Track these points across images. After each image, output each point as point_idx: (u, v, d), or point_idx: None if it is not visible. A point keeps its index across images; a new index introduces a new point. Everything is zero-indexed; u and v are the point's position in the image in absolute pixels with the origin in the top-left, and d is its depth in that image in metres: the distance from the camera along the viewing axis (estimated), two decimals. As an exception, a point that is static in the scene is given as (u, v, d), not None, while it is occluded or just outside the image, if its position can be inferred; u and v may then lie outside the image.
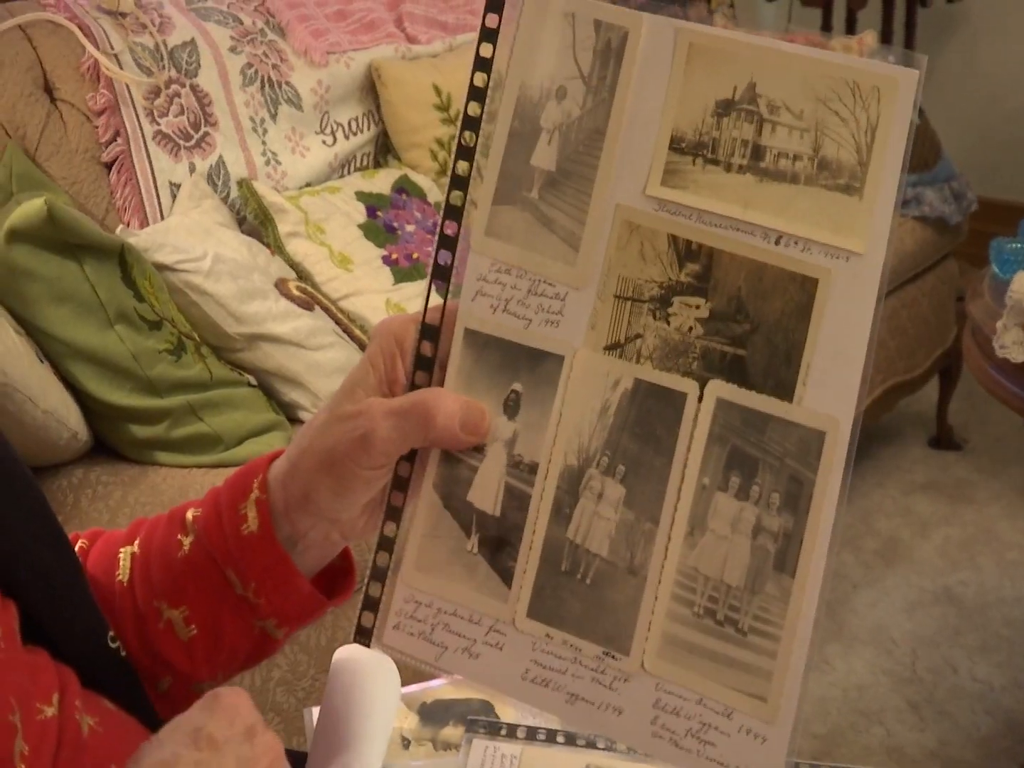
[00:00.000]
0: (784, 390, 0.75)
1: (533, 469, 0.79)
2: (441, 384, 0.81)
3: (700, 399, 0.76)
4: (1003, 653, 2.87)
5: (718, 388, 0.76)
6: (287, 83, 2.84)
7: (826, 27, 4.03)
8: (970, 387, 3.45)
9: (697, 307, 0.76)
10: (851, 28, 4.15)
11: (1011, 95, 4.59)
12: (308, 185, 2.82)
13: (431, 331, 0.81)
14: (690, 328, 0.76)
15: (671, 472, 0.76)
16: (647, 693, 0.76)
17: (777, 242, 0.75)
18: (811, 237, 0.75)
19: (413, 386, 0.81)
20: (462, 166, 0.79)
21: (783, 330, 0.75)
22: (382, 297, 2.61)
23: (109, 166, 2.53)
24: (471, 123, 0.79)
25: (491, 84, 0.79)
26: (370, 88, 2.99)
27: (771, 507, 0.75)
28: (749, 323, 0.76)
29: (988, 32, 4.59)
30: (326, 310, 2.51)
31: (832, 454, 0.75)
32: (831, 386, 0.75)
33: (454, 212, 0.80)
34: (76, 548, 0.95)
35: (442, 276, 0.80)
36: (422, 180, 2.89)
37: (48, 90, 2.50)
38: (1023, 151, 4.57)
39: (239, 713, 0.74)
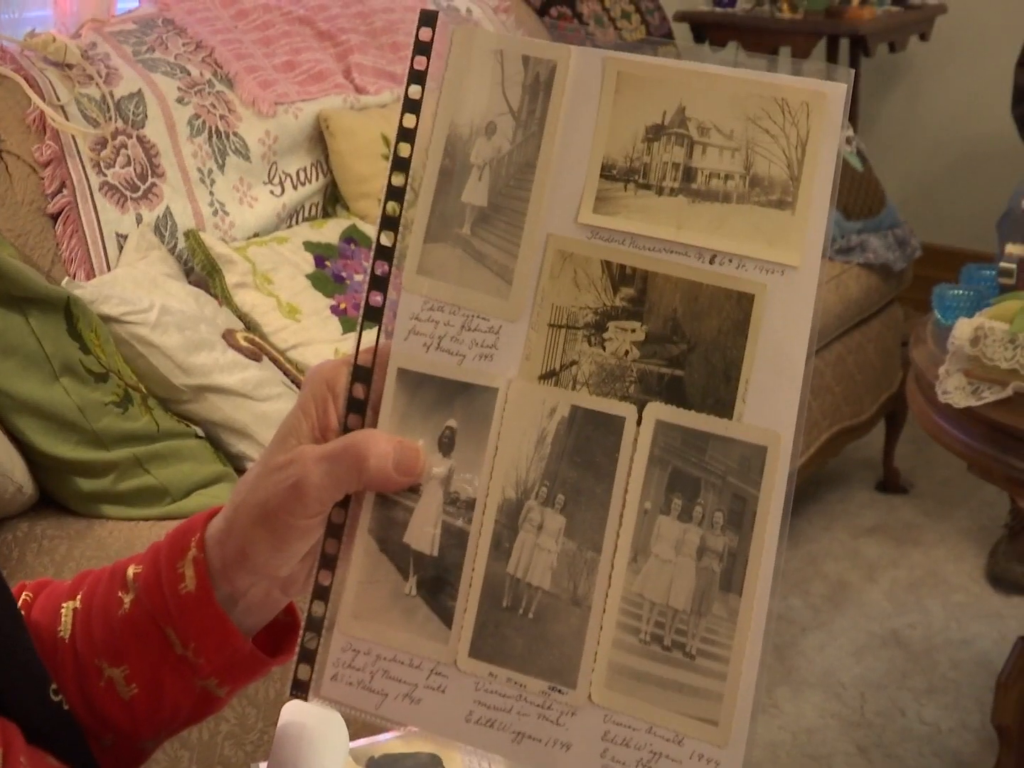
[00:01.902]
0: (723, 408, 0.75)
1: (470, 505, 0.77)
2: (375, 427, 0.79)
3: (639, 422, 0.75)
4: (950, 695, 2.88)
5: (657, 410, 0.75)
6: (235, 134, 2.84)
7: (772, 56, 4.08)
8: (916, 431, 3.48)
9: (633, 331, 0.76)
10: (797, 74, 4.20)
11: (953, 143, 4.65)
12: (256, 235, 2.82)
13: (363, 373, 0.80)
14: (626, 352, 0.76)
15: (612, 498, 0.75)
16: (595, 726, 0.75)
17: (711, 261, 0.75)
18: (745, 254, 0.75)
19: (346, 430, 0.79)
20: (392, 207, 0.79)
21: (720, 348, 0.75)
22: (331, 347, 2.60)
23: (55, 218, 2.52)
24: (401, 164, 0.79)
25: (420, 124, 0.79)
26: (318, 138, 2.99)
27: (715, 527, 0.74)
28: (686, 343, 0.75)
29: (930, 81, 4.65)
30: (274, 361, 2.50)
31: (775, 468, 0.74)
32: (771, 400, 0.74)
33: (384, 252, 0.79)
34: (20, 601, 0.94)
35: (374, 317, 0.79)
36: (371, 230, 2.89)
37: (-7, 142, 2.49)
38: (965, 198, 4.63)
39: None
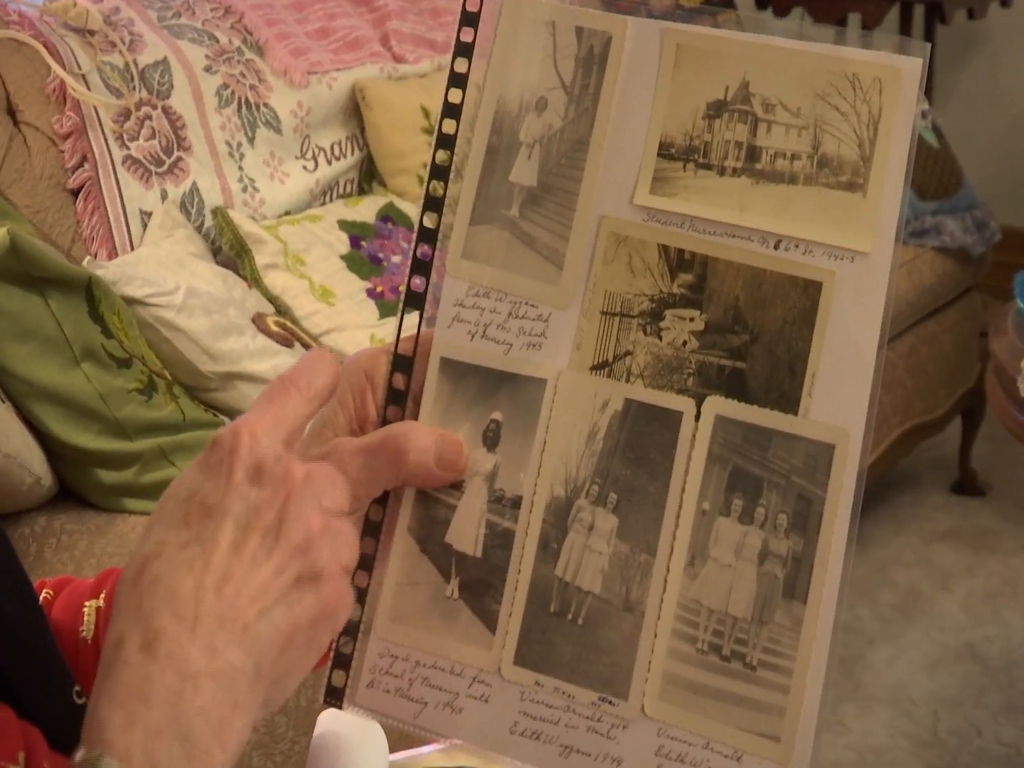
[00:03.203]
0: (788, 403, 0.75)
1: (517, 503, 0.78)
2: (415, 419, 0.80)
3: (697, 417, 0.76)
4: (1031, 714, 2.87)
5: (716, 404, 0.76)
6: (265, 105, 2.85)
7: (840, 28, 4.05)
8: (995, 429, 3.45)
9: (691, 320, 0.76)
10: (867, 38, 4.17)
11: (1036, 119, 4.61)
12: (287, 213, 2.83)
13: (404, 362, 0.80)
14: (684, 342, 0.76)
15: (668, 498, 0.76)
16: (648, 740, 0.75)
17: (776, 246, 0.76)
18: (813, 239, 0.75)
19: (385, 422, 0.80)
20: (435, 186, 0.79)
21: (785, 339, 0.75)
22: (366, 332, 2.61)
23: (76, 193, 2.54)
24: (446, 141, 0.80)
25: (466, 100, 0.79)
26: (354, 110, 3.00)
27: (778, 529, 0.74)
28: (748, 334, 0.76)
29: (1012, 50, 4.61)
30: (306, 347, 2.51)
31: (843, 468, 0.74)
32: (839, 396, 0.74)
33: (428, 235, 0.80)
34: (41, 598, 0.95)
35: (415, 303, 0.80)
36: (409, 208, 2.90)
37: (11, 112, 2.51)
38: (1049, 178, 4.59)
39: (238, 455, 0.68)
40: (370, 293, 2.69)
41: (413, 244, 0.80)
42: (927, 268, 3.35)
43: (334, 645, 0.80)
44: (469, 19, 0.80)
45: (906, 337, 3.32)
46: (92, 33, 2.64)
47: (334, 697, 0.80)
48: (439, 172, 0.80)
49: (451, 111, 0.80)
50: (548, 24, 0.80)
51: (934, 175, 3.40)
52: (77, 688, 0.88)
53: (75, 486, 2.21)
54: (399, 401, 0.80)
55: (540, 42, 0.80)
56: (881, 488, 3.58)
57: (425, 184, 0.80)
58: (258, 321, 2.44)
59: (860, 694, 2.91)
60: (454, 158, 0.80)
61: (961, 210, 3.45)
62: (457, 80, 0.80)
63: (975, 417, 3.63)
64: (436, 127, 0.80)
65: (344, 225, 2.79)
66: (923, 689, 2.94)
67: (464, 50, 0.80)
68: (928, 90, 4.09)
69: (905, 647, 3.07)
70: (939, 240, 3.38)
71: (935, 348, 3.42)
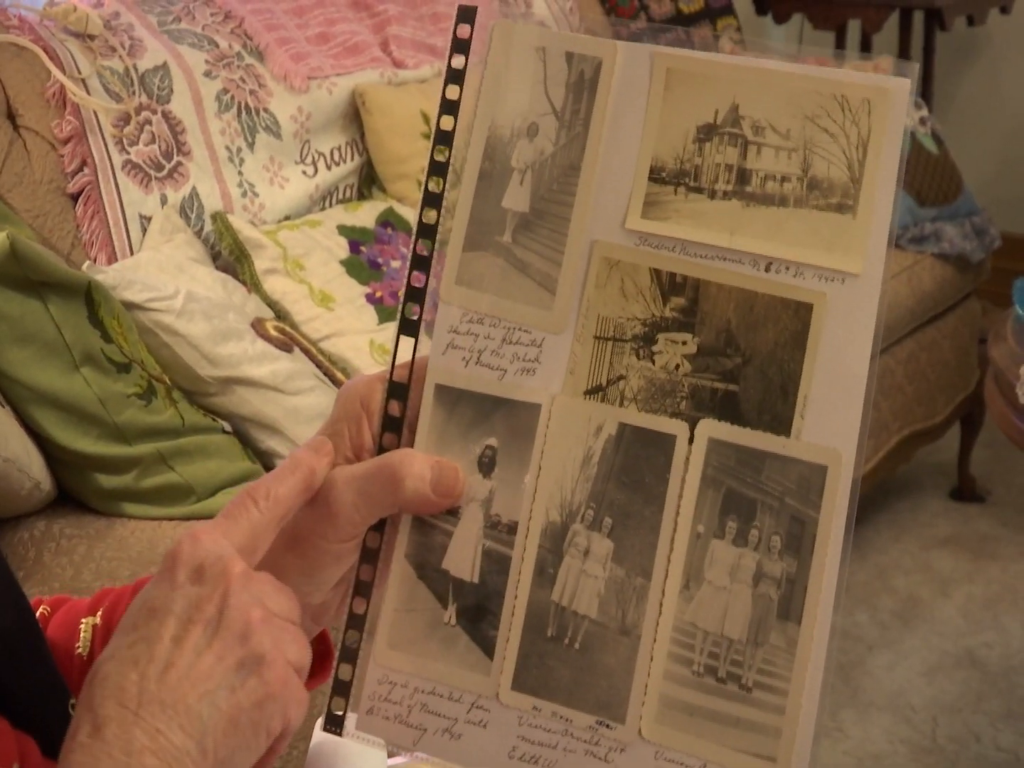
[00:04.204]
0: (781, 425, 0.75)
1: (512, 529, 0.78)
2: (411, 446, 0.80)
3: (691, 440, 0.76)
4: (1030, 721, 2.86)
5: (710, 427, 0.76)
6: (265, 110, 2.85)
7: (839, 51, 4.05)
8: (994, 435, 3.45)
9: (684, 343, 0.76)
10: (866, 52, 4.17)
11: (1036, 125, 4.61)
12: (287, 218, 2.83)
13: (399, 389, 0.81)
14: (677, 366, 0.76)
15: (663, 521, 0.76)
16: (646, 762, 0.75)
17: (767, 269, 0.76)
18: (803, 261, 0.75)
19: (381, 449, 0.80)
20: (429, 214, 0.79)
21: (777, 361, 0.75)
22: (366, 338, 2.61)
23: (75, 198, 2.53)
24: (438, 168, 0.79)
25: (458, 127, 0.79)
26: (354, 115, 3.00)
27: (772, 551, 0.75)
28: (740, 356, 0.76)
29: (1011, 57, 4.61)
30: (306, 352, 2.51)
31: (835, 489, 0.74)
32: (831, 417, 0.75)
33: (422, 263, 0.80)
34: (37, 614, 0.95)
35: (410, 330, 0.80)
36: (409, 213, 2.90)
37: (11, 116, 2.50)
38: (1049, 184, 4.59)
39: (180, 559, 0.72)
40: (369, 298, 2.69)
41: (408, 271, 0.80)
42: (926, 274, 3.35)
43: (333, 672, 0.80)
44: (460, 46, 0.80)
45: (905, 343, 3.32)
46: (92, 38, 2.64)
47: (334, 724, 0.80)
48: (432, 199, 0.80)
49: (443, 138, 0.80)
50: (539, 50, 0.80)
51: (934, 182, 3.40)
52: (72, 701, 0.88)
53: (74, 490, 2.22)
54: (395, 428, 0.81)
55: (531, 68, 0.79)
56: (880, 494, 3.58)
57: (418, 212, 0.80)
58: (257, 326, 2.44)
59: (859, 700, 2.91)
60: (447, 181, 0.79)
61: (960, 216, 3.45)
62: (449, 107, 0.80)
63: (974, 423, 3.63)
64: (429, 153, 0.79)
65: (344, 230, 2.79)
66: (922, 695, 2.94)
67: (455, 77, 0.80)
68: (928, 96, 4.09)
69: (904, 653, 3.07)
70: (938, 246, 3.38)
71: (934, 354, 3.42)
